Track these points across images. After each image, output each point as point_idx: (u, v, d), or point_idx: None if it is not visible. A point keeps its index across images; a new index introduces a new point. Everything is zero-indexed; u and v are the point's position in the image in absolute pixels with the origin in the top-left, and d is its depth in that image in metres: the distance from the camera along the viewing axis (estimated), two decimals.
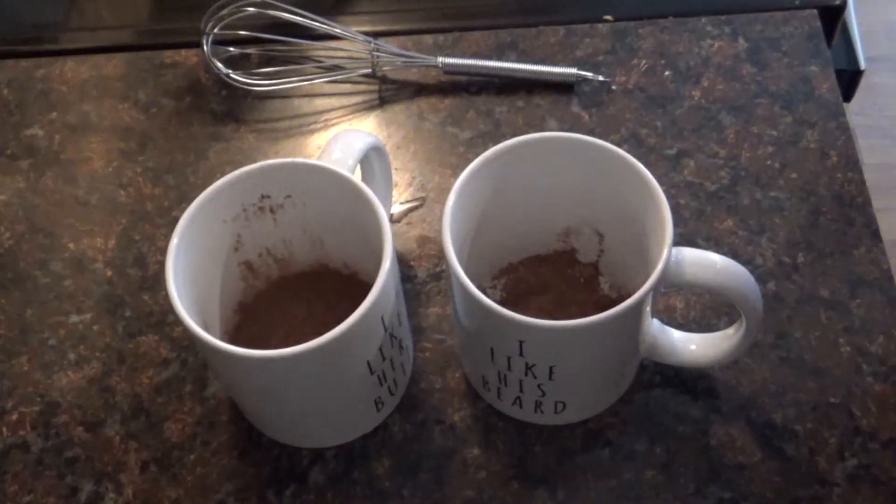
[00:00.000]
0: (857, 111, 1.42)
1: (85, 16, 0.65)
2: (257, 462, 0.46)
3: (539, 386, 0.42)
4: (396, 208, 0.54)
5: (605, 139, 0.42)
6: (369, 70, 0.59)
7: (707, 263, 0.41)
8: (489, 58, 0.59)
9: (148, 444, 0.47)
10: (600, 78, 0.57)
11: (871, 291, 0.49)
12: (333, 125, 0.58)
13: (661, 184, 0.41)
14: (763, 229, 0.52)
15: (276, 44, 0.59)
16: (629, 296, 0.38)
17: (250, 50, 0.60)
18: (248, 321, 0.48)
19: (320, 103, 0.59)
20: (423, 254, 0.52)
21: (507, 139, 0.43)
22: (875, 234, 0.51)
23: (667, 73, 0.58)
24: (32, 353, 0.50)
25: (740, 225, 0.52)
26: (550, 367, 0.41)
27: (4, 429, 0.48)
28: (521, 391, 0.43)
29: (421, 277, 0.51)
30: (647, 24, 0.60)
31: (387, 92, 0.59)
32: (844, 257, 0.50)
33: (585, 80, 0.58)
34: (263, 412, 0.45)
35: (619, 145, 0.42)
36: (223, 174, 0.43)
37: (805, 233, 0.51)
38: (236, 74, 0.58)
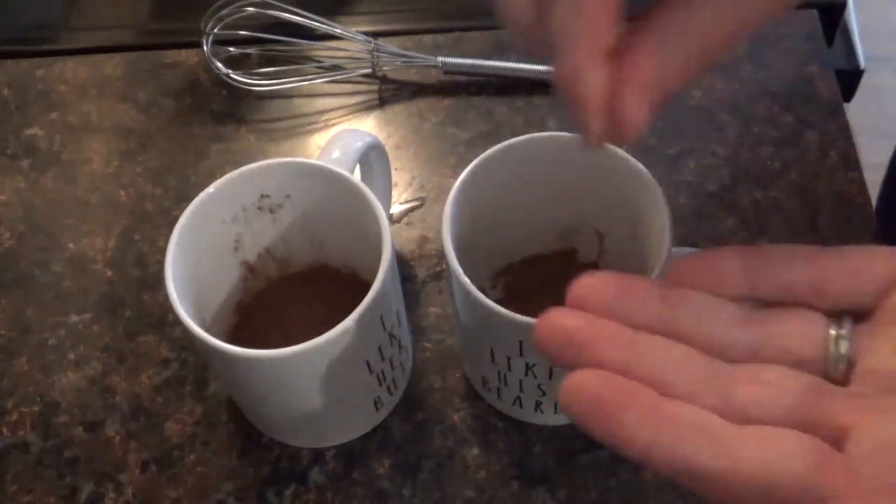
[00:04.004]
0: (857, 111, 1.42)
1: (85, 16, 0.65)
2: (257, 462, 0.46)
3: (539, 386, 0.42)
4: (396, 208, 0.54)
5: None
6: (369, 70, 0.59)
7: None
8: (489, 58, 0.59)
9: (148, 444, 0.47)
10: None
11: None
12: (333, 125, 0.58)
13: (661, 184, 0.41)
14: (763, 229, 0.52)
15: (276, 44, 0.59)
16: None
17: (250, 50, 0.60)
18: (248, 321, 0.48)
19: (320, 103, 0.59)
20: (422, 254, 0.52)
21: (507, 139, 0.42)
22: (875, 235, 0.51)
23: None
24: (32, 353, 0.50)
25: (740, 225, 0.52)
26: (550, 367, 0.41)
27: (4, 429, 0.48)
28: (521, 391, 0.43)
29: (421, 277, 0.51)
30: None
31: (387, 92, 0.59)
32: None
33: None
34: (263, 412, 0.45)
35: (619, 145, 0.42)
36: (223, 174, 0.43)
37: (805, 233, 0.51)
38: (236, 74, 0.58)
